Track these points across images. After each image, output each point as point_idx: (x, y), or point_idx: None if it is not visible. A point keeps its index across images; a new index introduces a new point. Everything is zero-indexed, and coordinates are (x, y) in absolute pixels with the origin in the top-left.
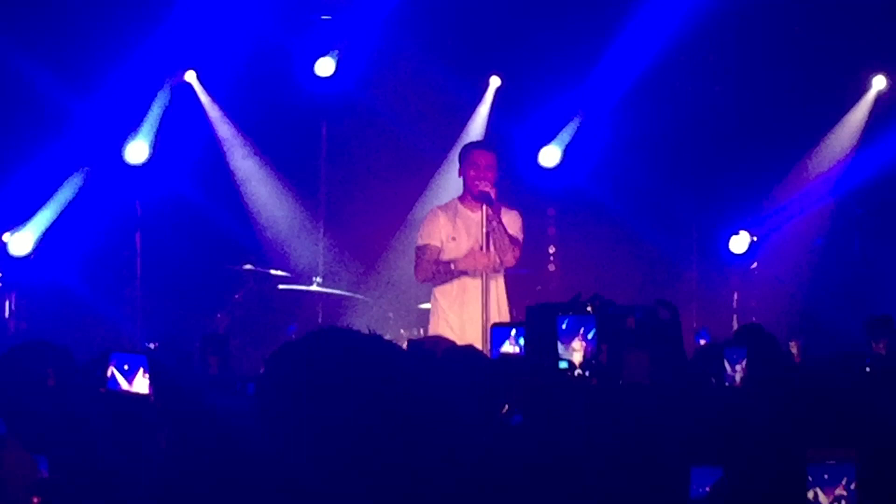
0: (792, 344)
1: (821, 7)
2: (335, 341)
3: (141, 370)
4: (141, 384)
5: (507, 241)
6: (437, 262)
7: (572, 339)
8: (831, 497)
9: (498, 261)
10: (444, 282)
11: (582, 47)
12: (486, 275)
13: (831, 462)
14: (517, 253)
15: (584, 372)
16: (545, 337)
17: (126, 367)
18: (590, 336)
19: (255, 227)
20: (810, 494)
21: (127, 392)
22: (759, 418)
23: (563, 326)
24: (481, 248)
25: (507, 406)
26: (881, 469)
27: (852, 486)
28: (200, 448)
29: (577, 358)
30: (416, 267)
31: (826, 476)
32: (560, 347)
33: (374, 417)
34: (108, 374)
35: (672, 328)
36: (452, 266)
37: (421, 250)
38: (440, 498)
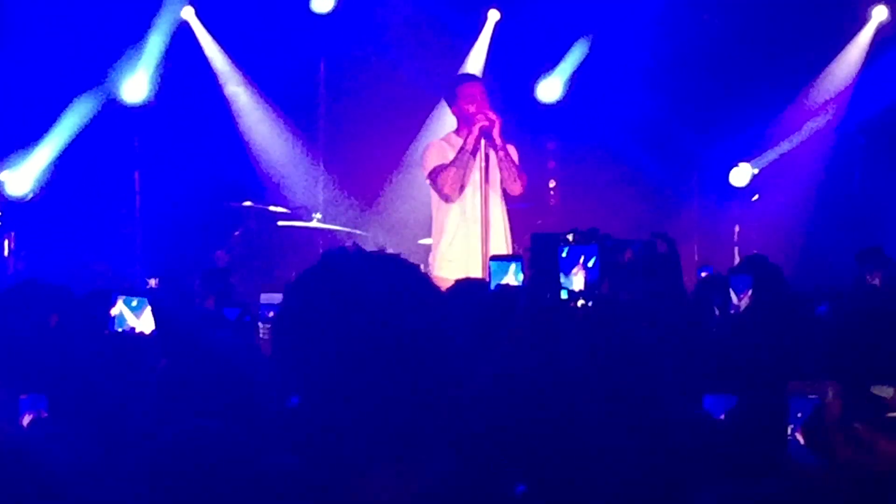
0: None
1: None
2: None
3: (148, 308)
4: (147, 322)
5: (514, 169)
6: (449, 166)
7: (573, 267)
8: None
9: (499, 142)
10: (463, 178)
11: None
12: (486, 205)
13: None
14: (524, 180)
15: (586, 301)
16: (547, 266)
17: (135, 303)
18: (590, 264)
19: (254, 164)
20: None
21: (131, 331)
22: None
23: (564, 255)
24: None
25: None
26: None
27: None
28: (198, 380)
29: (578, 286)
30: (439, 188)
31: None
32: (561, 277)
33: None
34: (117, 312)
35: (670, 261)
36: (465, 146)
37: (436, 171)
38: (439, 430)
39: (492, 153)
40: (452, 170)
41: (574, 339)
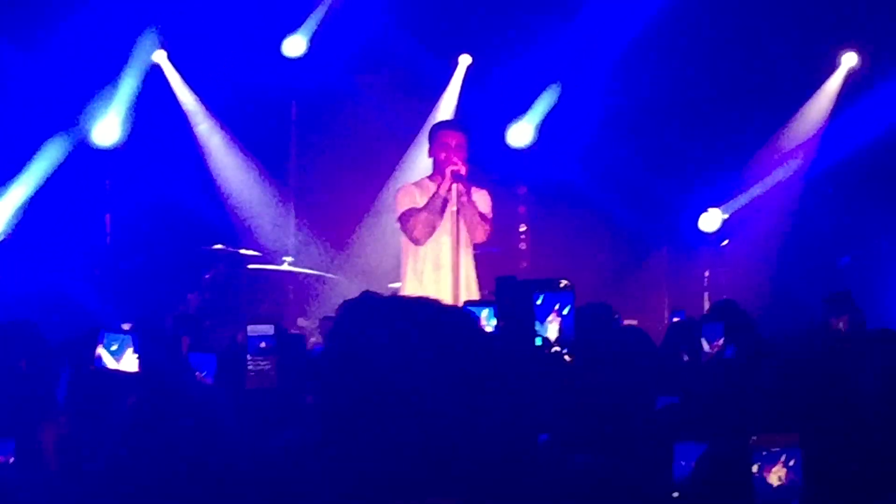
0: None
1: None
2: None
3: (130, 349)
4: (129, 363)
5: (476, 217)
6: (421, 211)
7: (547, 314)
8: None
9: (462, 188)
10: (434, 224)
11: (553, 26)
12: (457, 252)
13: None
14: (487, 228)
15: (560, 348)
16: (521, 313)
17: (115, 346)
18: (565, 312)
19: (225, 207)
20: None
21: (115, 370)
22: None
23: (539, 302)
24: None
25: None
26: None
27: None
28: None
29: (552, 334)
30: (409, 231)
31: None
32: (536, 324)
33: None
34: (96, 353)
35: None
36: (437, 192)
37: (406, 215)
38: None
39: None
40: (424, 214)
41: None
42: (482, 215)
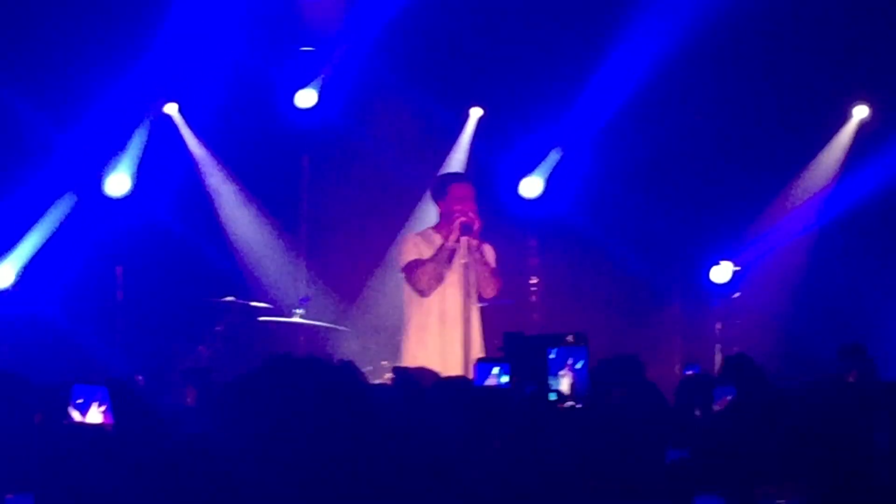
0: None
1: (802, 36)
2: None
3: (95, 404)
4: (95, 416)
5: (487, 271)
6: (427, 262)
7: (560, 369)
8: None
9: (474, 242)
10: (441, 276)
11: (563, 77)
12: (466, 307)
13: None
14: (498, 283)
15: (574, 402)
16: (535, 368)
17: (80, 400)
18: (578, 366)
19: (236, 259)
20: None
21: (83, 423)
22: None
23: (552, 357)
24: (464, 269)
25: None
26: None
27: None
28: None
29: (566, 388)
30: (415, 282)
31: None
32: (549, 378)
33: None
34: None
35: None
36: (440, 251)
37: (411, 266)
38: None
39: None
40: (431, 265)
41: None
42: (493, 270)
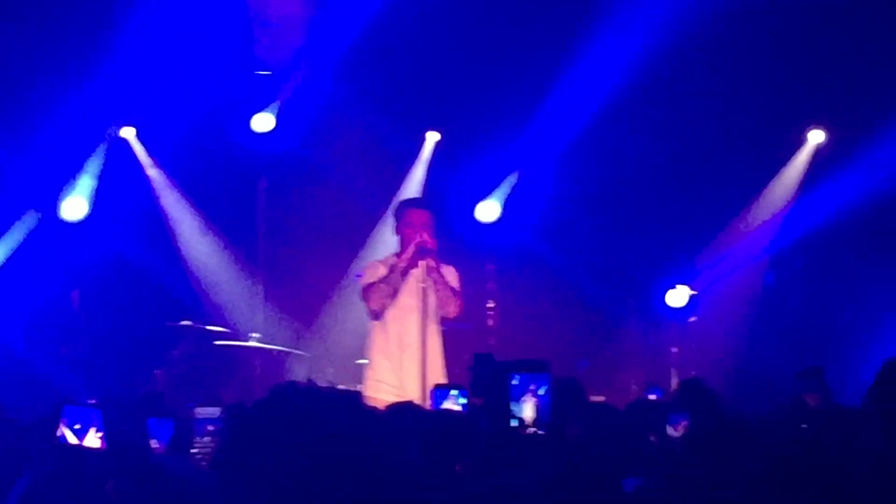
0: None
1: (758, 61)
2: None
3: (94, 429)
4: (92, 441)
5: (448, 291)
6: (381, 279)
7: (522, 395)
8: None
9: (432, 263)
10: (392, 294)
11: (520, 102)
12: (424, 331)
13: None
14: (459, 302)
15: (536, 429)
16: (497, 394)
17: (78, 426)
18: (541, 392)
19: (193, 283)
20: None
21: (79, 446)
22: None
23: (514, 383)
24: (423, 294)
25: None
26: None
27: None
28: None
29: (529, 414)
30: (367, 302)
31: None
32: (511, 404)
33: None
34: (59, 431)
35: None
36: (393, 269)
37: (367, 288)
38: None
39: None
40: (382, 285)
41: (524, 466)
42: (454, 290)
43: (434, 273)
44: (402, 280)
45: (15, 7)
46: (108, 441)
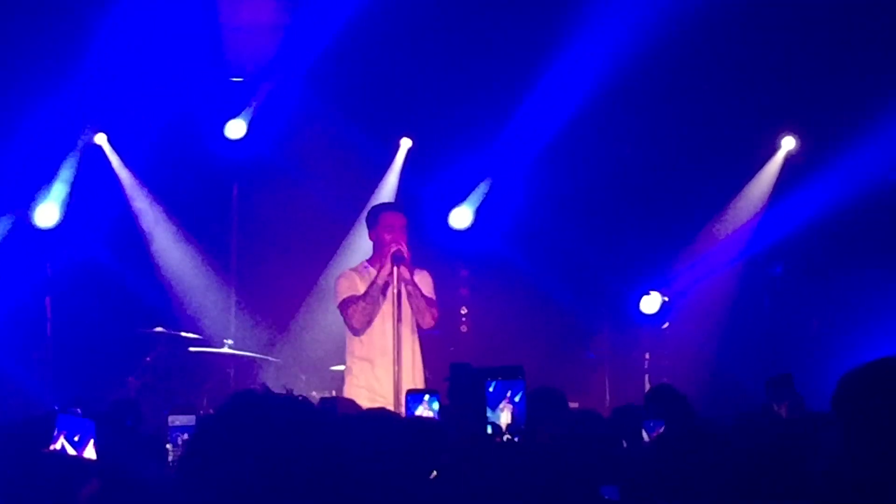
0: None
1: (730, 68)
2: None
3: (92, 440)
4: (91, 453)
5: (423, 302)
6: (360, 298)
7: (499, 402)
8: None
9: (407, 275)
10: (373, 313)
11: (493, 108)
12: (399, 335)
13: None
14: (435, 313)
15: (512, 436)
16: (472, 401)
17: (77, 437)
18: (517, 399)
19: (165, 290)
20: None
21: (75, 457)
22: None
23: (490, 390)
24: (397, 300)
25: (434, 472)
26: None
27: None
28: None
29: (505, 421)
30: (349, 319)
31: None
32: (487, 411)
33: (297, 481)
34: (58, 443)
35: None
36: (375, 280)
37: (346, 303)
38: None
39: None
40: (362, 304)
41: (500, 474)
42: (429, 300)
43: (409, 284)
44: (382, 295)
45: None
46: (100, 452)
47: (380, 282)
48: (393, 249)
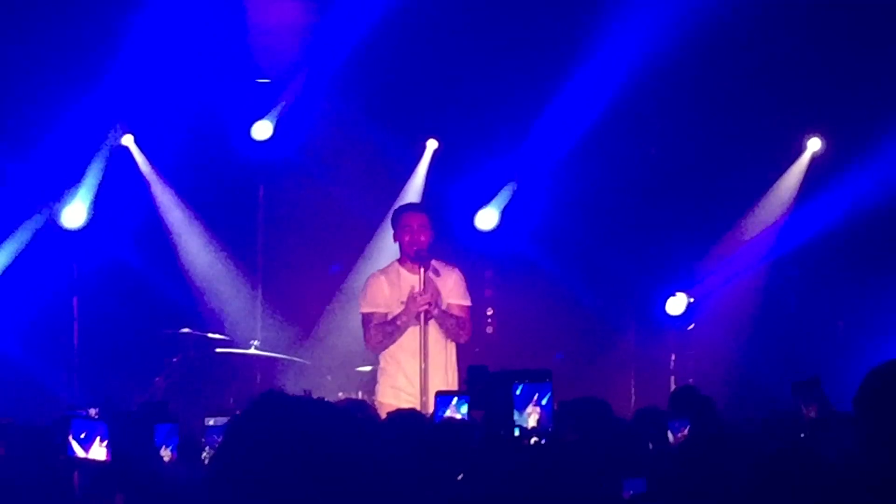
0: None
1: (756, 69)
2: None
3: (98, 438)
4: (98, 452)
5: (453, 324)
6: (383, 323)
7: (526, 405)
8: None
9: (435, 292)
10: (393, 341)
11: (518, 110)
12: (426, 337)
13: None
14: (467, 332)
15: (539, 439)
16: (501, 404)
17: (83, 434)
18: (544, 402)
19: (192, 291)
20: None
21: (85, 459)
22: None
23: (518, 392)
24: (419, 293)
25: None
26: None
27: None
28: None
29: (532, 424)
30: (365, 336)
31: None
32: (515, 414)
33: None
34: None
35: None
36: (398, 321)
37: (367, 318)
38: None
39: (432, 275)
40: (380, 336)
41: (528, 476)
42: (460, 321)
43: (436, 309)
44: (404, 331)
45: (16, 15)
46: (114, 452)
47: (400, 323)
48: (415, 250)
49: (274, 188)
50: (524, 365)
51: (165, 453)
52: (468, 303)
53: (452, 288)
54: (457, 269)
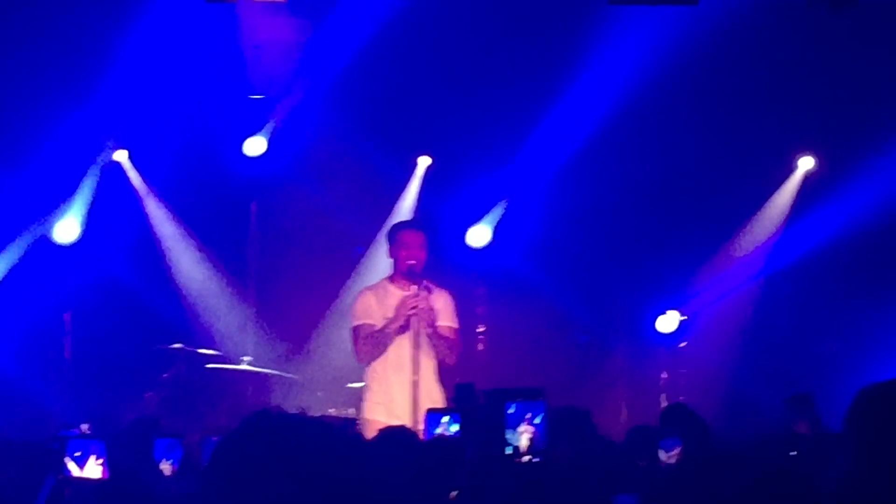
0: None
1: (749, 88)
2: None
3: (93, 456)
4: (93, 470)
5: (443, 345)
6: (372, 334)
7: (519, 423)
8: None
9: (426, 298)
10: (383, 351)
11: (510, 127)
12: (417, 353)
13: None
14: (456, 353)
15: (531, 457)
16: (492, 422)
17: (78, 453)
18: (537, 421)
19: (185, 306)
20: None
21: (80, 478)
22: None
23: (511, 411)
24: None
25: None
26: None
27: None
28: None
29: (524, 443)
30: (355, 349)
31: None
32: (507, 432)
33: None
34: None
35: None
36: (387, 329)
37: (357, 331)
38: None
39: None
40: (372, 342)
41: (519, 494)
42: (449, 342)
43: (430, 327)
44: (393, 339)
45: (9, 31)
46: (111, 470)
47: (391, 329)
48: (409, 267)
49: (266, 204)
50: (515, 383)
51: (166, 467)
52: (456, 325)
53: (442, 309)
54: (447, 292)
